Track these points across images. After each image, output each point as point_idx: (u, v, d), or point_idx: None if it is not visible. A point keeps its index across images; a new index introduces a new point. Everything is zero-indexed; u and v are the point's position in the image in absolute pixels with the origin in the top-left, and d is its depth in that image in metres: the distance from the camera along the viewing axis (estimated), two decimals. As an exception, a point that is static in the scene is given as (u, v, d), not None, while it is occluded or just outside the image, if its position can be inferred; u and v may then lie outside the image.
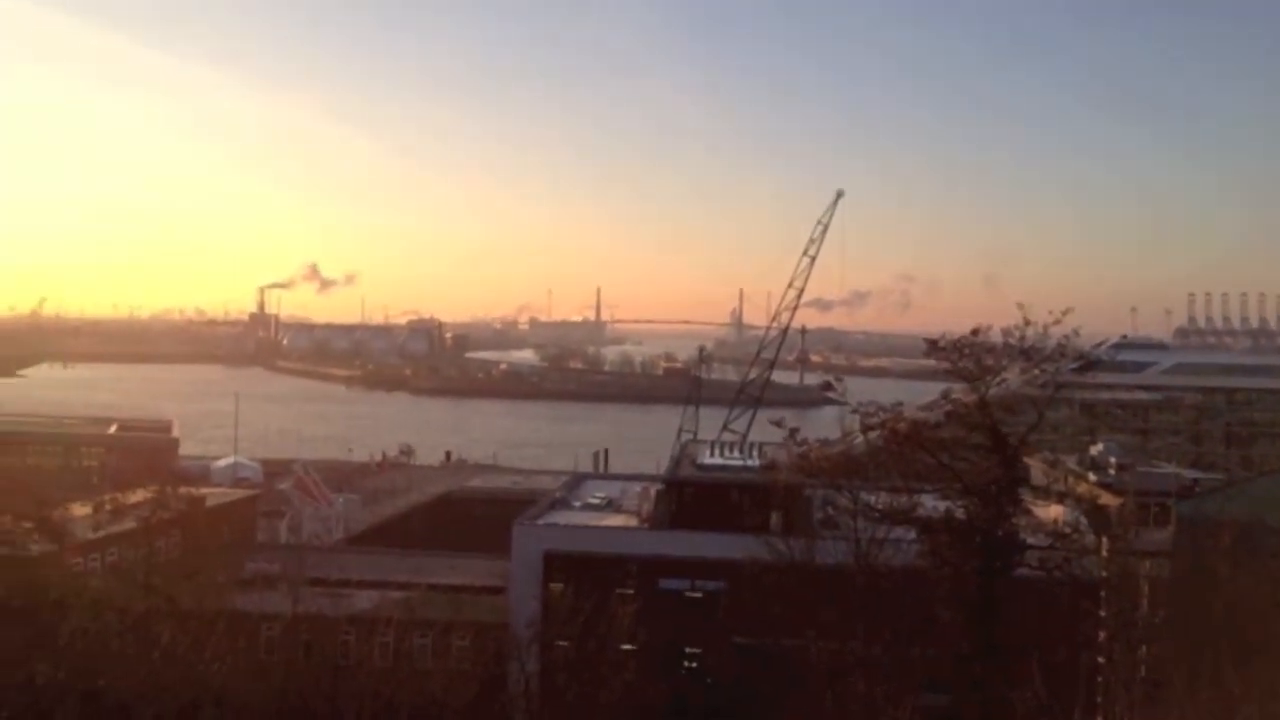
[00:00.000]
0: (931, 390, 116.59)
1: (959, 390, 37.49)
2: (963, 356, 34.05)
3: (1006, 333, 34.30)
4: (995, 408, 34.47)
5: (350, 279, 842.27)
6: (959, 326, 37.24)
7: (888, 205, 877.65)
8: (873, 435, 36.77)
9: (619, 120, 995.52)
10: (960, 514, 34.71)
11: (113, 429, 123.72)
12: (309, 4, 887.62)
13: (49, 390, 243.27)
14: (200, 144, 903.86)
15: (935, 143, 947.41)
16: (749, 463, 65.95)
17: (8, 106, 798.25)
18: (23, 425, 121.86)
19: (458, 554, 71.36)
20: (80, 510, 61.58)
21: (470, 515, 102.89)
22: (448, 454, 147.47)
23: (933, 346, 34.76)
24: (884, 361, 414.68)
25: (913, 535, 38.43)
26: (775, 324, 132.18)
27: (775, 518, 53.24)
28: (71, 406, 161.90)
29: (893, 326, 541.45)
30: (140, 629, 37.03)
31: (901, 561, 39.25)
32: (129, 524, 58.22)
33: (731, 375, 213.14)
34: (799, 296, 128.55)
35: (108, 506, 59.58)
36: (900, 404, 40.45)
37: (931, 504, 36.47)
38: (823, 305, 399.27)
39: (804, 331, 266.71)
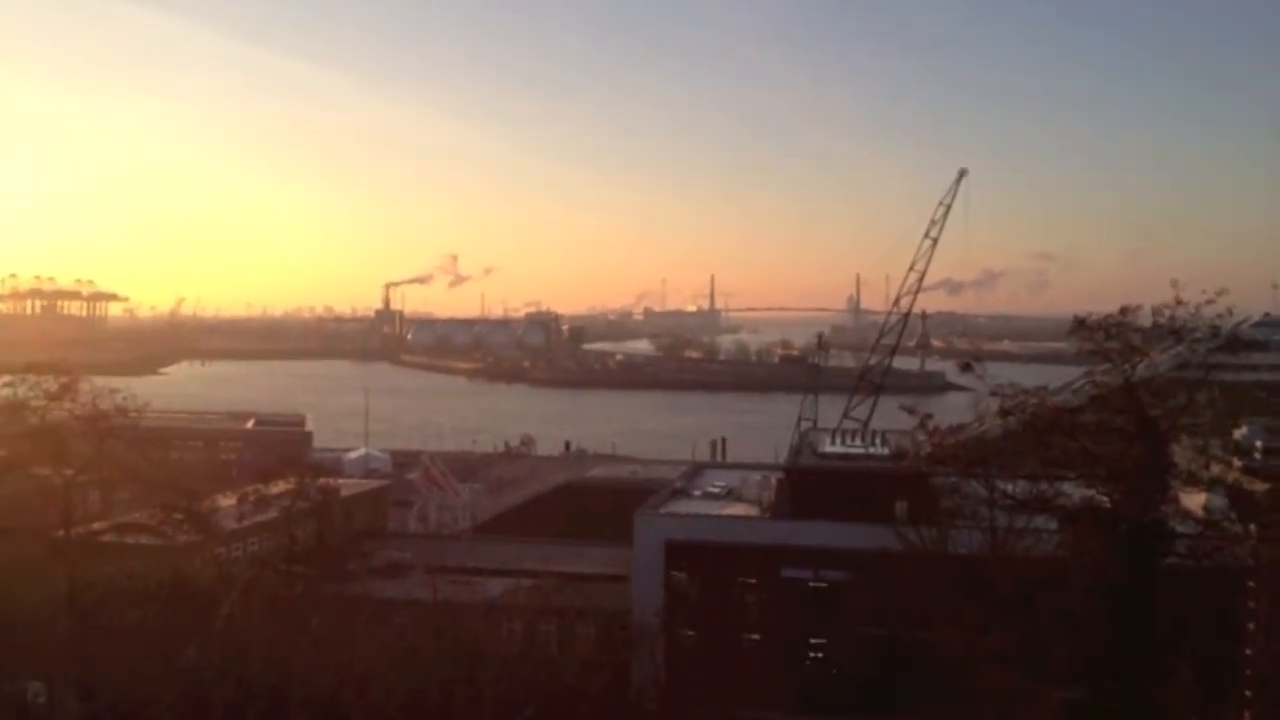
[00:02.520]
0: (1061, 374, 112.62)
1: (1102, 372, 35.84)
2: (1109, 337, 32.59)
3: (1156, 312, 32.74)
4: (1142, 390, 32.95)
5: (488, 272, 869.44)
6: (1097, 307, 35.76)
7: (1016, 182, 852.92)
8: (1010, 420, 35.49)
9: (734, 108, 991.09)
10: (1104, 502, 33.33)
11: (250, 423, 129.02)
12: (431, 9, 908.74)
13: (189, 387, 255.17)
14: (329, 146, 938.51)
15: (1067, 115, 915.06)
16: (873, 450, 64.88)
17: (149, 117, 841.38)
18: (166, 421, 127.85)
19: (580, 543, 72.11)
20: (225, 501, 64.30)
21: (591, 504, 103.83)
22: (567, 444, 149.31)
23: (1078, 326, 33.32)
24: (1010, 345, 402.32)
25: (1053, 525, 37.13)
26: (896, 309, 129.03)
27: (901, 506, 52.17)
28: (211, 402, 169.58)
29: (1023, 308, 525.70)
30: (286, 615, 38.46)
31: (1041, 552, 37.98)
32: (270, 514, 60.57)
33: (850, 362, 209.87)
34: (920, 280, 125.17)
35: (250, 498, 61.95)
36: (1043, 387, 39.05)
37: (1073, 492, 35.12)
38: (952, 287, 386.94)
39: (924, 316, 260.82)
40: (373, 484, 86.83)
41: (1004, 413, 35.04)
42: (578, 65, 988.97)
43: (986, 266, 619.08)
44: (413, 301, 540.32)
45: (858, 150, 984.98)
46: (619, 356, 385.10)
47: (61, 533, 49.33)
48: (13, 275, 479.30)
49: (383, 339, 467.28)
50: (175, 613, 39.88)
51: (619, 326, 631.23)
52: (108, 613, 42.49)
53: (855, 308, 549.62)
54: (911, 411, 43.74)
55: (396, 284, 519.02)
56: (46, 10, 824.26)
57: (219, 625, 35.64)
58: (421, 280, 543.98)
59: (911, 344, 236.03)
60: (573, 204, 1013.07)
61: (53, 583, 46.67)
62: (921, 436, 45.79)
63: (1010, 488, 37.26)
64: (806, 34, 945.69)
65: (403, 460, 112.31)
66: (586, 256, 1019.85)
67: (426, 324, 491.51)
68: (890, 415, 79.91)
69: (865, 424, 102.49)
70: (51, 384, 50.28)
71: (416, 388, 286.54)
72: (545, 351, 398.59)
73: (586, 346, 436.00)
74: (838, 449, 66.41)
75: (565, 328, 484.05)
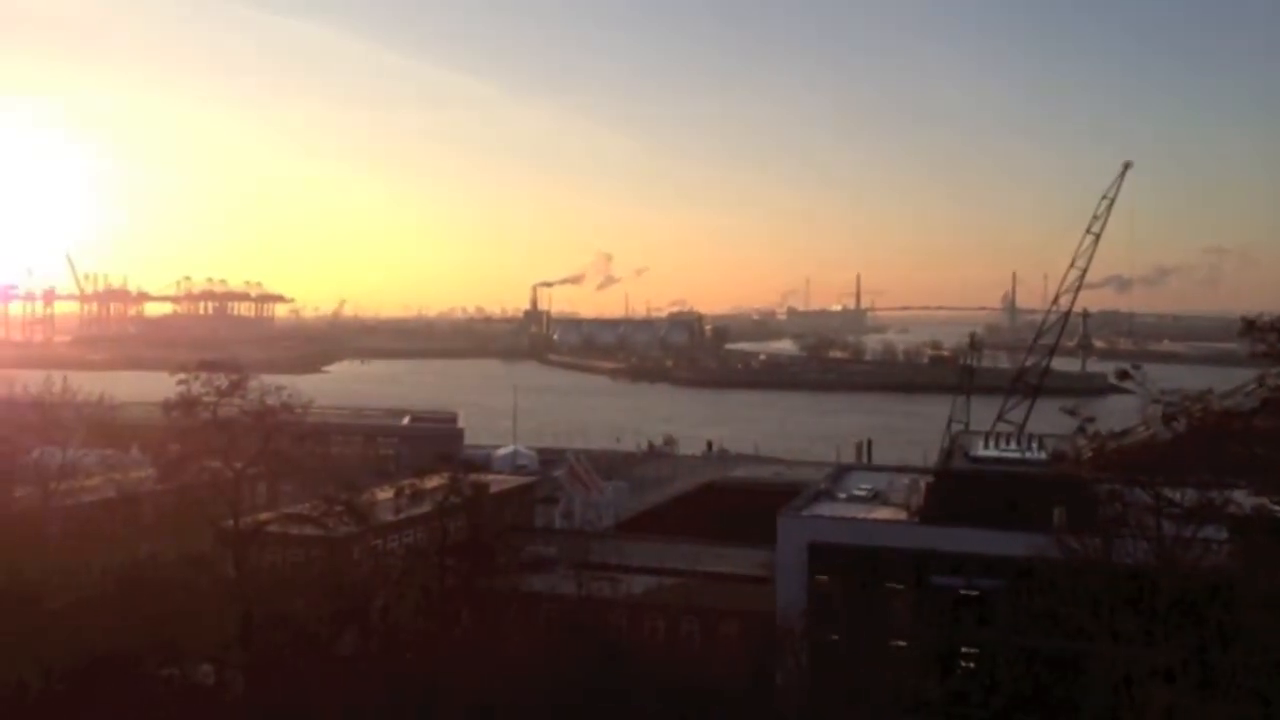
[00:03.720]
0: (1234, 377, 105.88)
1: (1275, 375, 33.56)
2: (1284, 338, 30.57)
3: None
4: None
5: (640, 273, 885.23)
6: (1275, 306, 33.57)
7: (1187, 175, 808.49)
8: (1176, 425, 33.59)
9: (878, 100, 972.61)
10: (1277, 511, 31.25)
11: (405, 420, 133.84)
12: (575, 16, 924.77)
13: (349, 384, 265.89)
14: (480, 153, 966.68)
15: (1241, 106, 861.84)
16: (1028, 455, 62.55)
17: (311, 126, 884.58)
18: (328, 417, 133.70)
19: (722, 543, 71.93)
20: (381, 495, 66.73)
21: (733, 504, 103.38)
22: (709, 444, 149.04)
23: (1248, 327, 31.33)
24: (1178, 346, 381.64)
25: (1222, 534, 35.01)
26: (1055, 307, 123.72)
27: (1058, 513, 50.07)
28: (369, 399, 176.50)
29: (1194, 306, 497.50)
30: (437, 607, 39.65)
31: (1209, 563, 35.85)
32: (423, 508, 62.52)
33: (1004, 363, 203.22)
34: (1081, 277, 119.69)
35: (405, 492, 64.04)
36: (1209, 391, 36.84)
37: (1244, 500, 33.03)
38: (1120, 284, 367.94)
39: (1085, 315, 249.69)
40: (520, 480, 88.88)
41: (1167, 418, 33.21)
42: (723, 65, 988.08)
43: (1158, 263, 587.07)
44: (559, 302, 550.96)
45: (1011, 144, 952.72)
46: (762, 356, 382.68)
47: (230, 523, 52.09)
48: (187, 278, 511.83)
49: (530, 339, 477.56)
50: (334, 601, 41.53)
51: (762, 326, 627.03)
52: (272, 599, 44.61)
53: (1011, 306, 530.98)
54: (1072, 414, 41.92)
55: (548, 284, 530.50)
56: (217, 27, 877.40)
57: (374, 615, 37.00)
58: (573, 280, 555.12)
59: (1071, 344, 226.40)
60: (717, 204, 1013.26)
61: (222, 570, 49.37)
62: (1082, 441, 43.85)
63: (1177, 496, 35.29)
64: (957, 27, 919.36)
65: (549, 458, 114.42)
66: (731, 256, 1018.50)
67: (572, 324, 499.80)
68: (1047, 418, 76.97)
69: (1020, 427, 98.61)
70: (223, 381, 53.12)
71: (562, 386, 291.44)
72: (688, 351, 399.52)
73: (729, 346, 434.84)
74: (991, 453, 64.34)
75: (708, 327, 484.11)
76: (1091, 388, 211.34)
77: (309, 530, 54.32)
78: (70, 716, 31.50)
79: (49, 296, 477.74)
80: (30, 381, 75.00)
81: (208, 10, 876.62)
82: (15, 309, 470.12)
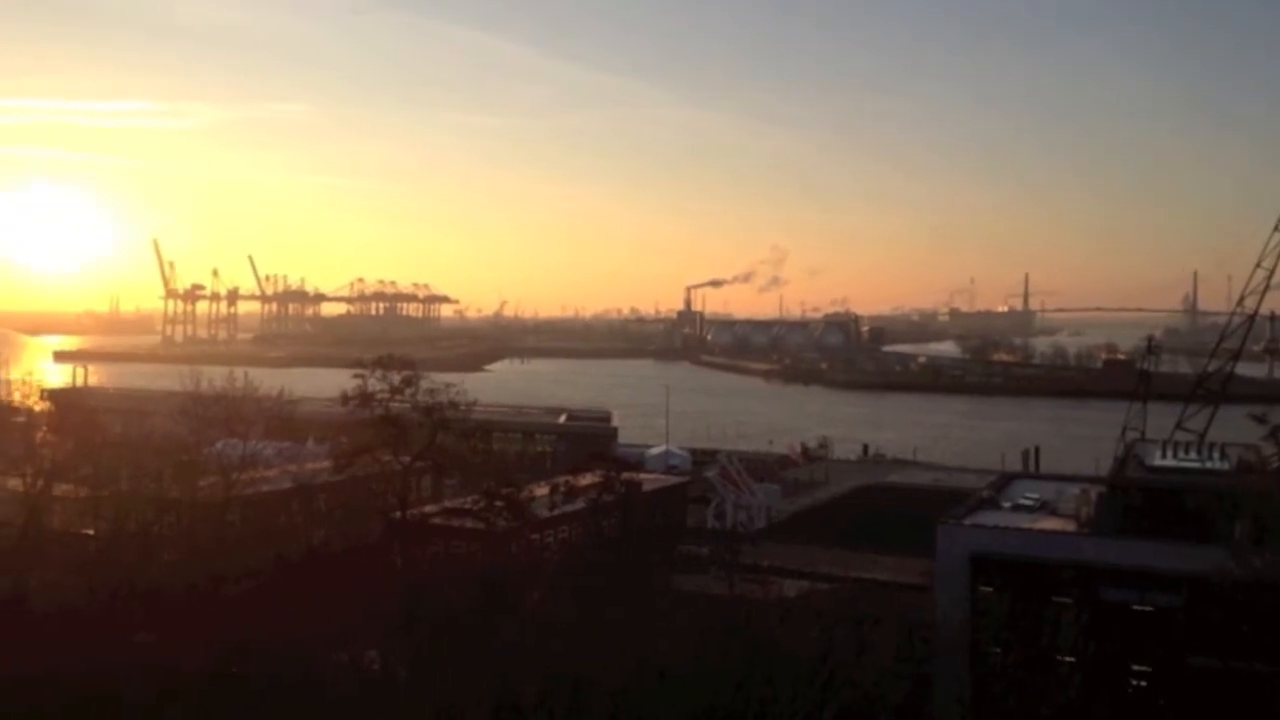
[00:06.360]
0: None
1: None
2: None
3: None
4: None
5: (813, 274, 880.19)
6: None
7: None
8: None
9: (1045, 93, 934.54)
10: None
11: (562, 419, 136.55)
12: (734, 21, 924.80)
13: (510, 383, 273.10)
14: (638, 155, 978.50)
15: None
16: (1210, 464, 58.98)
17: (477, 132, 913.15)
18: (490, 414, 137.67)
19: (877, 549, 70.51)
20: (538, 491, 68.33)
21: (889, 511, 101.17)
22: (865, 448, 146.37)
23: None
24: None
25: None
26: (1239, 309, 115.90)
27: (1240, 527, 47.06)
28: (528, 398, 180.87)
29: None
30: (590, 604, 40.26)
31: None
32: (578, 505, 63.69)
33: (1184, 367, 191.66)
34: (1269, 277, 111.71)
35: (561, 489, 65.41)
36: None
37: None
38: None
39: (1273, 318, 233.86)
40: (673, 480, 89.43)
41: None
42: (882, 64, 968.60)
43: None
44: (712, 303, 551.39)
45: (1195, 139, 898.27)
46: (921, 359, 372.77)
47: (398, 514, 54.31)
48: (360, 279, 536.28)
49: (683, 339, 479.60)
50: (489, 592, 42.67)
51: (922, 328, 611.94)
52: (434, 589, 46.19)
53: (1191, 308, 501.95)
54: (1261, 421, 39.30)
55: (717, 283, 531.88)
56: (395, 37, 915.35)
57: (530, 609, 37.86)
58: (743, 279, 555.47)
59: (1257, 348, 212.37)
60: (878, 203, 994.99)
61: (388, 559, 51.44)
62: (1270, 450, 41.06)
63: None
64: (1134, 18, 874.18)
65: (701, 458, 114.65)
66: (896, 257, 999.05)
67: (725, 325, 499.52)
68: (1231, 427, 72.31)
69: (1201, 436, 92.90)
70: (395, 378, 55.42)
71: (714, 387, 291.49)
72: (843, 353, 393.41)
73: (886, 348, 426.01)
74: (1169, 462, 60.96)
75: (865, 329, 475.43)
76: (1279, 395, 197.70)
77: (470, 524, 56.10)
78: (247, 694, 33.39)
79: (233, 296, 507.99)
80: (214, 377, 79.29)
81: (376, 20, 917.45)
82: (202, 308, 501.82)
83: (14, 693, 32.70)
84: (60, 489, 59.02)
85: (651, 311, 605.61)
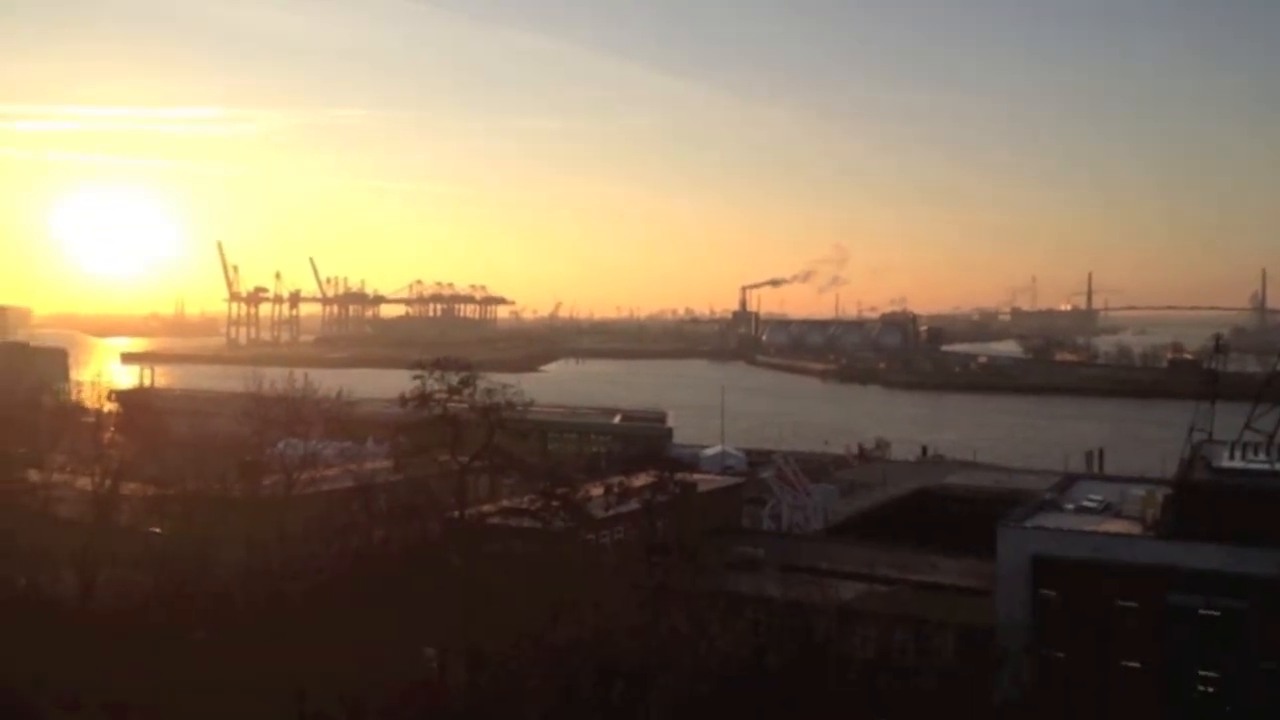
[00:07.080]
0: None
1: None
2: None
3: None
4: None
5: (876, 272, 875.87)
6: None
7: None
8: None
9: (1110, 89, 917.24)
10: None
11: (617, 419, 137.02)
12: (790, 19, 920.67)
13: (566, 383, 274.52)
14: (693, 155, 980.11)
15: None
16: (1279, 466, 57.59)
17: (532, 134, 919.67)
18: (546, 415, 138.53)
19: (936, 551, 69.59)
20: (594, 491, 68.45)
21: (948, 512, 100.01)
22: (924, 449, 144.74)
23: None
24: None
25: None
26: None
27: (1314, 531, 45.88)
28: (584, 398, 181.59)
29: None
30: (646, 603, 40.28)
31: None
32: (633, 505, 63.65)
33: (1253, 367, 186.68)
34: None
35: (616, 489, 65.40)
36: None
37: None
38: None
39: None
40: (728, 480, 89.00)
41: None
42: (945, 61, 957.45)
43: None
44: (768, 303, 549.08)
45: (1259, 137, 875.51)
46: (981, 359, 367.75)
47: (456, 514, 54.76)
48: (418, 281, 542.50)
49: (739, 339, 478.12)
50: (545, 591, 42.90)
51: (982, 327, 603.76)
52: (491, 588, 46.55)
53: (1261, 306, 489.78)
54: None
55: (777, 282, 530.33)
56: (454, 41, 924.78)
57: (587, 608, 37.97)
58: (802, 278, 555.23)
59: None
60: (938, 200, 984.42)
61: (447, 558, 51.93)
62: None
63: None
64: (1197, 15, 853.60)
65: (757, 459, 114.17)
66: (957, 255, 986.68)
67: (781, 325, 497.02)
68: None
69: (1271, 437, 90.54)
70: (453, 379, 55.92)
71: (770, 388, 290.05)
72: (901, 353, 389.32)
73: (945, 348, 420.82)
74: (1237, 464, 59.62)
75: (923, 329, 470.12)
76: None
77: (528, 523, 56.40)
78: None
79: (294, 299, 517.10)
80: (276, 378, 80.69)
81: (435, 25, 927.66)
82: (264, 310, 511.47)
83: (73, 688, 33.53)
84: (128, 488, 60.52)
85: (706, 312, 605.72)
